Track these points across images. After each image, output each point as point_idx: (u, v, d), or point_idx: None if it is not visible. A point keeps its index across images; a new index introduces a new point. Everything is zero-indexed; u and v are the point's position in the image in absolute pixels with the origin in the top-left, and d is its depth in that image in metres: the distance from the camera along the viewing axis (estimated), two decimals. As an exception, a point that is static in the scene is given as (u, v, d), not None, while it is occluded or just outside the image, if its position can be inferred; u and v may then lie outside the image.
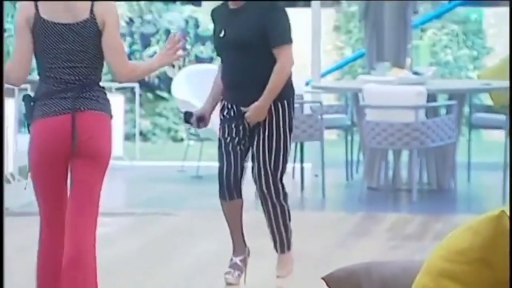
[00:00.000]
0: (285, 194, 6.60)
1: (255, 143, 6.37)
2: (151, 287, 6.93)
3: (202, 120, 6.49)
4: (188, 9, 16.08)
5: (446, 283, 2.92)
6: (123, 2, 16.09)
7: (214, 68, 13.77)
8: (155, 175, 11.90)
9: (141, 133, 14.43)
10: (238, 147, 6.39)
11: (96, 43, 5.23)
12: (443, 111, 10.72)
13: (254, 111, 6.27)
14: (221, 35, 6.35)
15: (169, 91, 13.85)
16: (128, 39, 15.61)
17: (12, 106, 10.28)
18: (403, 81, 10.69)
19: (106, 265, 7.61)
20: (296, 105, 11.19)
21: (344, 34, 16.63)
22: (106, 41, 5.25)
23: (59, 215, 5.42)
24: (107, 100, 5.39)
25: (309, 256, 7.77)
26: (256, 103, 6.25)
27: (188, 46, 15.57)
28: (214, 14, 6.62)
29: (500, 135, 11.05)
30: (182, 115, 6.77)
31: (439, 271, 2.95)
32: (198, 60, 15.49)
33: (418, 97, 10.16)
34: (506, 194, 10.07)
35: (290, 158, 11.10)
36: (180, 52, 5.54)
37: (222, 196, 6.51)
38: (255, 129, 6.35)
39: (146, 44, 15.67)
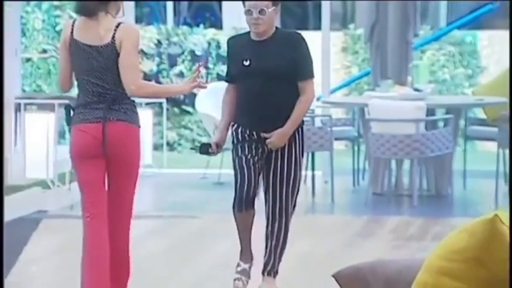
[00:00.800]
0: (290, 219, 6.38)
1: (272, 165, 6.13)
2: (176, 284, 6.93)
3: (219, 145, 6.23)
4: (211, 32, 16.09)
5: (444, 280, 2.92)
6: (152, 27, 16.13)
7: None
8: (180, 181, 11.91)
9: (168, 144, 14.44)
10: (256, 164, 6.09)
11: (116, 63, 5.49)
12: (441, 124, 10.69)
13: (278, 137, 6.01)
14: (246, 63, 6.01)
15: (193, 106, 13.85)
16: (157, 59, 15.64)
17: (53, 120, 10.29)
18: (404, 97, 10.68)
19: (136, 263, 7.63)
20: (308, 118, 11.30)
21: (351, 54, 16.61)
22: (121, 60, 5.50)
23: (99, 204, 5.63)
24: (135, 113, 5.64)
25: (319, 255, 7.78)
26: (280, 130, 5.99)
27: (210, 65, 15.62)
28: (233, 43, 6.29)
29: (492, 146, 11.03)
30: (197, 148, 6.40)
31: (438, 269, 2.94)
32: (219, 78, 15.48)
33: (418, 111, 10.16)
34: (499, 199, 10.07)
35: (303, 166, 11.21)
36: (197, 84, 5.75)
37: (237, 206, 6.23)
38: (273, 153, 6.11)
39: (172, 64, 15.69)
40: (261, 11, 5.87)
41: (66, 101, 9.91)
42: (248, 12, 5.92)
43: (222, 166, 11.82)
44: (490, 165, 10.61)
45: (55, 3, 15.88)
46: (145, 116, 12.85)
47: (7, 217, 8.64)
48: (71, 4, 16.14)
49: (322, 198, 10.65)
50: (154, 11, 17.43)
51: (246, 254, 6.30)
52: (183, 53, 15.79)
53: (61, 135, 12.02)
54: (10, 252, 7.59)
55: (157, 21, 16.90)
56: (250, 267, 6.30)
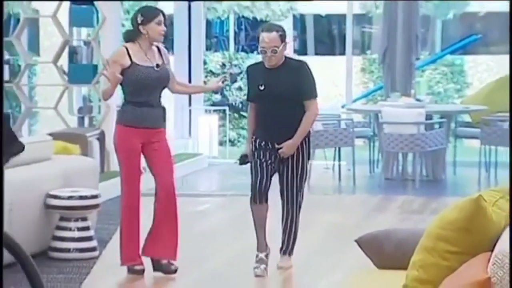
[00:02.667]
0: (300, 208, 5.99)
1: (283, 169, 5.83)
2: (239, 247, 6.93)
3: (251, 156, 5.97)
4: (261, 56, 16.11)
5: (440, 244, 2.92)
6: (218, 53, 16.16)
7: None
8: (239, 169, 11.85)
9: (230, 140, 14.48)
10: (269, 166, 5.79)
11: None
12: (437, 126, 10.63)
13: (288, 148, 5.72)
14: (261, 88, 5.73)
15: (248, 112, 13.88)
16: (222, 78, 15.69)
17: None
18: (409, 105, 10.63)
19: (206, 231, 7.69)
20: (335, 121, 11.29)
21: (368, 73, 16.56)
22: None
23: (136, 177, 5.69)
24: (120, 112, 5.70)
25: (344, 225, 7.75)
26: (290, 141, 5.72)
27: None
28: (251, 70, 5.99)
29: (476, 143, 10.99)
30: (237, 162, 6.11)
31: (436, 236, 2.94)
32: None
33: (419, 116, 10.12)
34: (481, 183, 10.04)
35: (331, 157, 11.23)
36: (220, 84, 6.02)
37: (253, 200, 5.87)
38: (284, 160, 5.81)
39: (233, 81, 15.73)
40: (273, 51, 5.68)
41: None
42: (262, 51, 5.72)
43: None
44: (474, 157, 10.59)
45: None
46: (213, 119, 12.91)
47: (112, 194, 8.71)
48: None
49: (346, 182, 10.62)
50: (219, 41, 17.48)
51: (262, 244, 5.90)
52: (241, 72, 15.83)
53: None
54: (115, 221, 7.64)
55: (222, 48, 16.95)
56: (267, 255, 5.91)
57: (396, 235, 3.60)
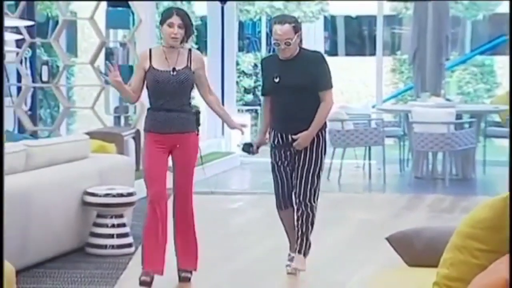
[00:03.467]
0: (316, 206, 5.68)
1: (298, 163, 5.58)
2: (270, 244, 6.95)
3: (258, 148, 5.78)
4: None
5: (470, 242, 2.90)
6: (250, 54, 16.16)
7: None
8: (269, 167, 11.92)
9: (261, 140, 14.47)
10: (287, 168, 5.60)
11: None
12: (466, 125, 10.57)
13: (303, 139, 5.49)
14: (276, 80, 5.52)
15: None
16: (254, 77, 15.70)
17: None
18: (439, 105, 10.58)
19: (239, 228, 7.71)
20: (365, 121, 11.26)
21: (398, 74, 16.49)
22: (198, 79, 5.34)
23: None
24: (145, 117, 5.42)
25: (375, 223, 7.74)
26: (305, 132, 5.49)
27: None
28: (265, 63, 5.75)
29: (505, 142, 10.91)
30: (241, 146, 5.93)
31: (465, 234, 2.93)
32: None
33: (449, 116, 10.06)
34: None
35: (362, 156, 11.21)
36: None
37: (278, 206, 5.74)
38: (299, 152, 5.57)
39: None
40: (286, 43, 5.45)
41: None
42: (276, 44, 5.49)
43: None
44: (504, 156, 10.50)
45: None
46: (245, 119, 12.93)
47: (144, 193, 8.74)
48: (193, 36, 16.30)
49: (376, 180, 10.60)
50: (251, 42, 17.49)
51: (294, 244, 5.77)
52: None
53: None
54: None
55: (254, 49, 16.96)
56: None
57: (427, 233, 3.59)
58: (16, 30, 9.75)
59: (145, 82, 5.28)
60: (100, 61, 10.57)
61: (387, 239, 3.72)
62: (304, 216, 5.62)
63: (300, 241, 5.66)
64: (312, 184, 5.57)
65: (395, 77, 16.46)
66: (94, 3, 10.13)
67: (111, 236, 6.29)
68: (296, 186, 5.60)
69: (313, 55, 5.66)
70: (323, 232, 7.32)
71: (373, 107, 12.40)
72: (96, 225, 6.33)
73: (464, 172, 10.48)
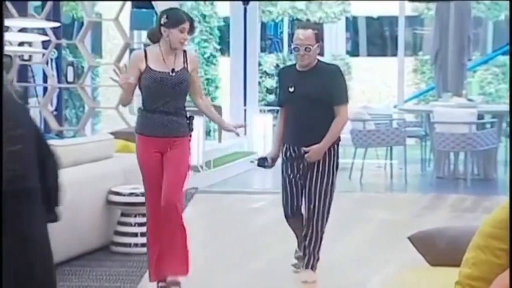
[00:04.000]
0: (325, 223, 5.47)
1: (308, 177, 5.35)
2: (292, 243, 6.94)
3: (274, 160, 5.52)
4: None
5: (492, 241, 2.88)
6: (272, 54, 16.15)
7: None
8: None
9: (284, 140, 14.45)
10: (299, 182, 5.38)
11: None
12: (488, 125, 10.51)
13: (315, 152, 5.25)
14: (291, 90, 5.32)
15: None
16: (276, 78, 15.70)
17: (201, 122, 10.42)
18: (460, 105, 10.53)
19: (260, 227, 7.71)
20: (387, 121, 11.23)
21: (420, 74, 16.42)
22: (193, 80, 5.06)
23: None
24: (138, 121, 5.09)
25: (397, 223, 7.71)
26: (317, 146, 5.25)
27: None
28: (282, 73, 5.61)
29: (527, 142, 10.84)
30: (255, 162, 5.68)
31: (487, 234, 2.91)
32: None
33: (471, 116, 10.02)
34: (532, 182, 9.88)
35: (383, 156, 11.18)
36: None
37: (286, 216, 5.54)
38: (311, 166, 5.33)
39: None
40: (307, 49, 5.26)
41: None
42: (296, 49, 5.31)
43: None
44: (526, 156, 10.44)
45: (203, 37, 16.06)
46: (267, 119, 12.93)
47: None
48: (216, 37, 16.32)
49: (398, 180, 10.56)
50: (274, 43, 17.49)
51: (303, 254, 5.57)
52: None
53: (207, 133, 12.18)
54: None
55: (276, 50, 16.96)
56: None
57: (449, 233, 3.57)
58: (43, 31, 9.81)
59: (138, 83, 4.95)
60: (125, 61, 10.60)
61: (409, 238, 3.71)
62: (314, 235, 5.42)
63: (308, 258, 5.46)
64: (323, 201, 5.36)
65: (416, 78, 16.40)
66: (119, 4, 10.16)
67: (135, 234, 6.31)
68: (306, 201, 5.37)
69: (330, 68, 5.49)
70: (344, 232, 7.31)
71: (395, 107, 12.38)
72: (121, 223, 6.36)
73: (485, 172, 10.42)
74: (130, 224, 6.34)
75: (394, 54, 14.06)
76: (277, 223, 7.87)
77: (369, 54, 17.57)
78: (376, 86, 16.60)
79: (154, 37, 4.98)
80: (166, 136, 4.93)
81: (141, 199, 6.36)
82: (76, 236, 5.89)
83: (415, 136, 12.02)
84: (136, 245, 6.28)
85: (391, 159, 10.80)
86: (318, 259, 5.50)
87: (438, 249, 3.56)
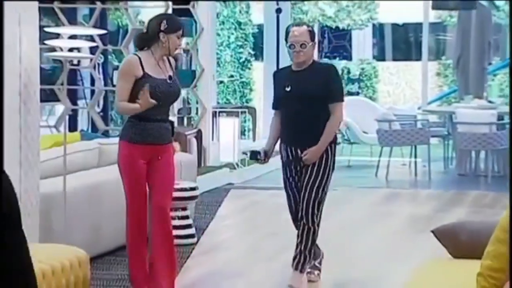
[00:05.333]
0: (319, 221, 5.04)
1: (304, 176, 4.95)
2: (323, 234, 6.92)
3: (266, 155, 5.06)
4: (343, 62, 16.04)
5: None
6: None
7: (359, 99, 13.77)
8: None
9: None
10: (298, 184, 4.97)
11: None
12: (507, 126, 10.39)
13: (312, 154, 4.87)
14: (287, 89, 4.94)
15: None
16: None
17: (237, 122, 10.42)
18: (481, 107, 10.44)
19: (289, 222, 7.69)
20: (411, 122, 11.16)
21: (443, 77, 16.28)
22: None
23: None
24: (125, 128, 4.58)
25: (421, 217, 7.66)
26: (314, 148, 4.87)
27: (343, 85, 15.54)
28: (277, 74, 5.24)
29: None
30: (248, 154, 5.37)
31: (506, 228, 2.89)
32: (349, 93, 15.43)
33: (491, 117, 9.93)
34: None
35: (408, 154, 11.11)
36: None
37: (293, 220, 5.12)
38: (308, 167, 4.93)
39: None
40: (302, 45, 4.89)
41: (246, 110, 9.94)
42: (291, 46, 4.93)
43: (351, 154, 11.78)
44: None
45: (239, 43, 16.07)
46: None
47: (208, 187, 8.82)
48: (250, 43, 16.34)
49: (421, 177, 10.49)
50: (305, 48, 17.46)
51: (315, 252, 5.18)
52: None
53: (242, 132, 12.20)
54: (210, 211, 7.75)
55: (307, 55, 16.93)
56: (320, 262, 5.26)
57: (470, 227, 3.55)
58: (90, 38, 9.89)
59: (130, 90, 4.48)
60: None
61: (433, 232, 3.69)
62: (305, 232, 4.99)
63: (298, 258, 5.01)
64: (315, 198, 4.94)
65: (439, 81, 16.27)
66: (160, 13, 10.21)
67: (175, 227, 6.33)
68: (300, 199, 4.98)
69: (326, 66, 5.21)
70: (372, 225, 7.28)
71: (419, 108, 12.30)
72: (162, 217, 6.38)
73: (505, 170, 10.31)
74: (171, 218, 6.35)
75: (418, 59, 13.97)
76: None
77: (395, 58, 17.48)
78: (401, 89, 16.51)
79: (144, 43, 4.55)
80: (159, 144, 4.52)
81: (181, 194, 6.40)
82: (120, 228, 5.93)
83: (438, 136, 11.92)
84: (176, 237, 6.26)
85: (415, 157, 10.74)
86: (308, 261, 5.07)
87: (460, 242, 3.54)
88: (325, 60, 16.01)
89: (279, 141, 5.10)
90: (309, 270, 5.16)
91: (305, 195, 4.93)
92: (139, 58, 4.48)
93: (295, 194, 5.01)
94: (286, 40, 4.99)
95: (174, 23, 4.57)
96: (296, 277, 5.01)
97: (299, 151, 4.93)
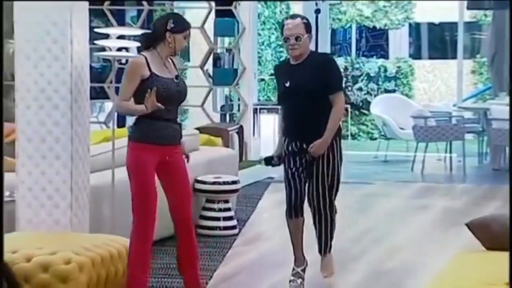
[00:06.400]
0: (334, 208, 4.81)
1: (315, 171, 4.67)
2: (359, 229, 6.91)
3: (279, 159, 4.79)
4: (380, 61, 15.93)
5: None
6: (341, 58, 16.07)
7: (396, 97, 13.67)
8: (359, 159, 11.85)
9: (351, 134, 14.41)
10: (302, 175, 4.66)
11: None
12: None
13: (318, 147, 4.59)
14: (287, 84, 4.66)
15: (368, 110, 13.76)
16: (344, 79, 15.62)
17: (277, 119, 10.41)
18: (515, 103, 10.30)
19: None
20: (447, 118, 11.04)
21: (478, 75, 16.07)
22: None
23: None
24: (134, 129, 4.29)
25: (456, 210, 7.59)
26: (320, 140, 4.58)
27: (380, 83, 15.43)
28: (277, 70, 4.95)
29: None
30: (262, 161, 5.13)
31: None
32: (386, 91, 15.32)
33: (525, 113, 9.79)
34: None
35: (443, 149, 11.01)
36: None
37: (288, 215, 4.78)
38: (315, 161, 4.66)
39: (355, 82, 15.62)
40: (297, 38, 4.60)
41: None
42: (286, 40, 4.66)
43: (388, 150, 11.72)
44: None
45: (279, 42, 16.08)
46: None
47: (249, 181, 8.83)
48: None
49: (456, 171, 10.38)
50: (343, 47, 17.36)
51: (299, 258, 4.84)
52: (361, 75, 15.72)
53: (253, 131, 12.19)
54: (251, 203, 7.77)
55: (345, 54, 16.85)
56: (303, 270, 4.85)
57: (503, 220, 3.51)
58: (138, 38, 9.97)
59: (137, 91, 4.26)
60: (209, 65, 10.71)
61: (467, 224, 3.66)
62: (323, 218, 4.75)
63: (320, 243, 4.81)
64: (326, 193, 4.70)
65: (474, 78, 16.06)
66: (205, 14, 10.28)
67: (218, 219, 6.38)
68: (311, 195, 4.72)
69: (323, 57, 4.92)
70: (408, 218, 7.24)
71: (454, 105, 12.17)
72: (205, 209, 6.43)
73: (539, 165, 10.17)
74: (213, 210, 6.40)
75: (454, 57, 13.82)
76: (344, 210, 7.83)
77: (430, 57, 17.31)
78: (436, 86, 16.35)
79: (150, 43, 4.34)
80: (169, 144, 4.27)
81: (223, 187, 6.43)
82: (167, 219, 5.98)
83: (473, 132, 11.77)
84: (219, 228, 6.35)
85: (450, 152, 10.64)
86: (331, 242, 4.84)
87: (493, 234, 3.50)
88: (362, 59, 15.94)
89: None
90: (292, 278, 4.81)
91: (314, 184, 4.67)
92: (146, 58, 4.26)
93: (296, 185, 4.69)
94: (281, 33, 4.71)
95: (181, 23, 4.35)
96: (324, 262, 4.83)
97: (304, 145, 4.66)
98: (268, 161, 4.88)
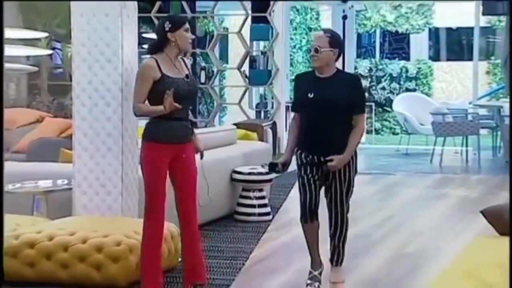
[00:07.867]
0: (347, 223, 4.51)
1: (332, 184, 4.37)
2: (383, 214, 6.87)
3: (285, 165, 4.41)
4: (402, 62, 15.80)
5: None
6: (366, 60, 15.95)
7: (416, 95, 13.55)
8: (382, 152, 11.78)
9: (375, 129, 14.32)
10: (316, 182, 4.33)
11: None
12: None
13: (337, 162, 4.25)
14: (310, 95, 4.30)
15: (391, 107, 13.66)
16: (369, 79, 15.51)
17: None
18: (527, 101, 10.15)
19: (354, 202, 7.63)
20: (463, 115, 10.90)
21: (492, 75, 15.86)
22: None
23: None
24: (147, 129, 4.07)
25: (471, 199, 7.51)
26: (340, 156, 4.25)
27: (401, 83, 15.29)
28: (299, 79, 4.51)
29: None
30: (266, 167, 4.91)
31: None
32: (407, 90, 15.19)
33: (537, 110, 9.63)
34: None
35: (460, 143, 10.88)
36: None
37: (303, 219, 4.43)
38: (331, 174, 4.35)
39: (378, 82, 15.52)
40: (316, 50, 4.29)
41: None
42: (310, 50, 4.45)
43: (409, 143, 11.63)
44: None
45: (309, 46, 16.02)
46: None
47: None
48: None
49: (472, 164, 10.25)
50: (367, 50, 17.24)
51: (315, 262, 4.54)
52: (385, 75, 15.60)
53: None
54: (284, 192, 7.73)
55: (370, 56, 16.73)
56: (320, 273, 4.53)
57: (516, 207, 3.45)
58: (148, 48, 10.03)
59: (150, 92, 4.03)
60: (245, 66, 10.72)
61: (482, 212, 3.62)
62: (337, 234, 4.48)
63: (333, 253, 4.53)
64: (345, 202, 4.45)
65: (489, 78, 15.85)
66: (242, 20, 10.30)
67: (253, 206, 6.39)
68: (330, 206, 4.46)
69: (351, 76, 4.61)
70: (427, 206, 7.17)
71: (470, 103, 12.03)
72: (242, 197, 6.44)
73: (549, 158, 10.00)
74: (249, 198, 6.41)
75: (470, 59, 13.64)
76: (369, 198, 7.80)
77: (448, 59, 17.14)
78: (453, 86, 16.20)
79: (155, 49, 4.10)
80: (182, 142, 4.06)
81: (258, 178, 6.43)
82: (207, 206, 6.01)
83: (487, 127, 11.62)
84: (254, 214, 6.35)
85: (466, 146, 10.52)
86: (343, 258, 4.55)
87: (505, 221, 3.45)
88: (385, 61, 15.81)
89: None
90: (309, 281, 4.51)
91: (336, 206, 4.43)
92: (156, 61, 4.03)
93: (311, 190, 4.36)
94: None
95: (176, 20, 4.10)
96: (336, 270, 4.53)
97: (321, 158, 4.32)
98: (273, 167, 4.50)
